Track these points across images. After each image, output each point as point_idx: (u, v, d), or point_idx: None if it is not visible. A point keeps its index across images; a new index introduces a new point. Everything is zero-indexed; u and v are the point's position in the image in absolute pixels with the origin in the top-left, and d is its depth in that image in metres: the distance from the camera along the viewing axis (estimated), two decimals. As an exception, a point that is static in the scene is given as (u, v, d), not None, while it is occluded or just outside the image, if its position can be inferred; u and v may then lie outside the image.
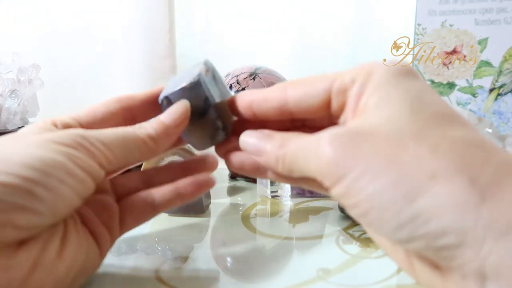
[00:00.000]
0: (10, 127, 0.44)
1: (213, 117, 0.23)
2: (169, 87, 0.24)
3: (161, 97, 0.24)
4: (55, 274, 0.20)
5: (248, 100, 0.22)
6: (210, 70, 0.24)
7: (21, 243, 0.18)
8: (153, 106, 0.25)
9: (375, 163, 0.16)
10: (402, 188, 0.16)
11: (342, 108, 0.20)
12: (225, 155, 0.24)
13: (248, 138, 0.22)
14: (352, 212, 0.18)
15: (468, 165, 0.15)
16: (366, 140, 0.17)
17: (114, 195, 0.26)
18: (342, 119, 0.21)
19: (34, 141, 0.20)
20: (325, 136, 0.18)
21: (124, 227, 0.25)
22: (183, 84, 0.23)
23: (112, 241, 0.24)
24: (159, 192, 0.25)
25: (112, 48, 0.72)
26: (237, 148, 0.23)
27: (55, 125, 0.22)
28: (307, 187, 0.22)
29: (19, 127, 0.45)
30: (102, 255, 0.24)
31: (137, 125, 0.23)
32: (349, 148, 0.17)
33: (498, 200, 0.15)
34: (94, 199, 0.24)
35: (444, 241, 0.15)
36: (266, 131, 0.21)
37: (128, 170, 0.27)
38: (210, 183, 0.25)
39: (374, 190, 0.16)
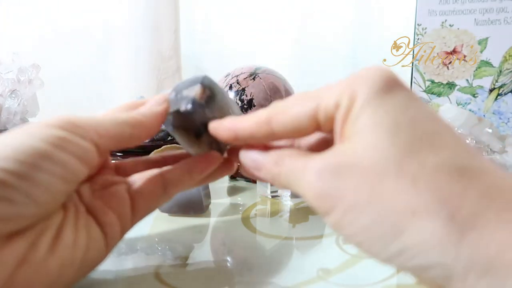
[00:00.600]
0: (10, 127, 0.44)
1: (208, 140, 0.24)
2: (171, 100, 0.24)
3: None
4: (45, 272, 0.19)
5: (232, 131, 0.22)
6: (208, 89, 0.24)
7: (8, 238, 0.18)
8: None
9: (359, 198, 0.17)
10: (387, 224, 0.16)
11: (331, 129, 0.20)
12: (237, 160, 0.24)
13: (247, 155, 0.22)
14: (347, 241, 0.19)
15: (448, 198, 0.15)
16: (350, 173, 0.17)
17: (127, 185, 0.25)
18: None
19: (21, 129, 0.20)
20: (311, 169, 0.18)
21: (136, 213, 0.24)
22: (178, 107, 0.23)
23: (123, 231, 0.24)
24: (169, 171, 0.26)
25: (116, 48, 0.72)
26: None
27: None
28: None
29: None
30: (109, 247, 0.23)
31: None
32: (334, 182, 0.17)
33: (477, 235, 0.15)
34: (105, 188, 0.24)
35: (432, 274, 0.15)
36: (264, 153, 0.22)
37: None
38: (219, 158, 0.26)
39: (362, 225, 0.17)
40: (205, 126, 0.24)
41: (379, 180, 0.17)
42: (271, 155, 0.21)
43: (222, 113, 0.25)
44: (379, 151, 0.17)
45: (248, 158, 0.22)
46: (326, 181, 0.18)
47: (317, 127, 0.20)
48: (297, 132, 0.20)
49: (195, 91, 0.24)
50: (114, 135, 0.22)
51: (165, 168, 0.26)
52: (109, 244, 0.23)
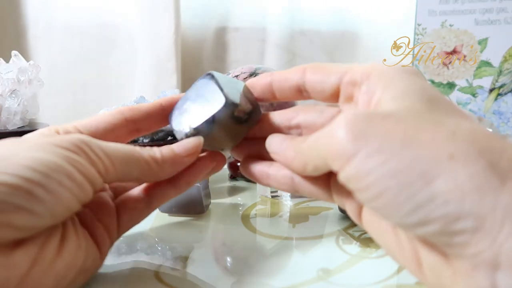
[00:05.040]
0: (10, 127, 0.44)
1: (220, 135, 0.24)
2: (192, 112, 0.24)
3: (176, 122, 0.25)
4: (54, 271, 0.20)
5: (268, 81, 0.24)
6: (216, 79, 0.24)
7: (19, 243, 0.18)
8: (158, 117, 0.26)
9: (389, 141, 0.16)
10: (419, 168, 0.15)
11: (349, 100, 0.21)
12: (239, 158, 0.26)
13: (274, 138, 0.23)
14: (361, 197, 0.17)
15: (487, 150, 0.15)
16: (382, 120, 0.17)
17: (113, 193, 0.26)
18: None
19: (36, 143, 0.20)
20: (340, 117, 0.18)
21: (121, 227, 0.25)
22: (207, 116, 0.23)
23: (111, 243, 0.24)
24: (153, 186, 0.26)
25: (115, 48, 0.72)
26: (251, 155, 0.25)
27: (58, 133, 0.23)
28: (312, 196, 0.23)
29: (19, 127, 0.45)
30: (102, 256, 0.24)
31: (147, 148, 0.24)
32: (363, 127, 0.17)
33: None
34: (93, 198, 0.24)
35: (461, 225, 0.14)
36: (290, 136, 0.23)
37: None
38: (203, 168, 0.25)
39: (388, 170, 0.15)
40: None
41: (416, 128, 0.16)
42: (298, 138, 0.22)
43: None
44: (417, 110, 0.17)
45: (273, 142, 0.23)
46: (355, 125, 0.17)
47: (337, 94, 0.22)
48: (321, 89, 0.22)
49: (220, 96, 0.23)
50: (121, 174, 0.22)
51: (150, 184, 0.26)
52: (102, 253, 0.23)
